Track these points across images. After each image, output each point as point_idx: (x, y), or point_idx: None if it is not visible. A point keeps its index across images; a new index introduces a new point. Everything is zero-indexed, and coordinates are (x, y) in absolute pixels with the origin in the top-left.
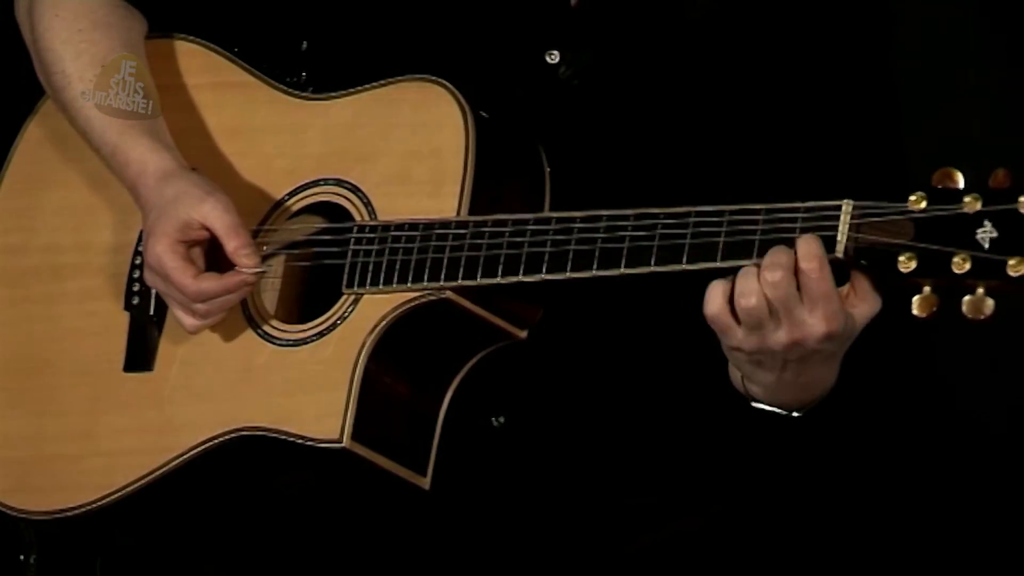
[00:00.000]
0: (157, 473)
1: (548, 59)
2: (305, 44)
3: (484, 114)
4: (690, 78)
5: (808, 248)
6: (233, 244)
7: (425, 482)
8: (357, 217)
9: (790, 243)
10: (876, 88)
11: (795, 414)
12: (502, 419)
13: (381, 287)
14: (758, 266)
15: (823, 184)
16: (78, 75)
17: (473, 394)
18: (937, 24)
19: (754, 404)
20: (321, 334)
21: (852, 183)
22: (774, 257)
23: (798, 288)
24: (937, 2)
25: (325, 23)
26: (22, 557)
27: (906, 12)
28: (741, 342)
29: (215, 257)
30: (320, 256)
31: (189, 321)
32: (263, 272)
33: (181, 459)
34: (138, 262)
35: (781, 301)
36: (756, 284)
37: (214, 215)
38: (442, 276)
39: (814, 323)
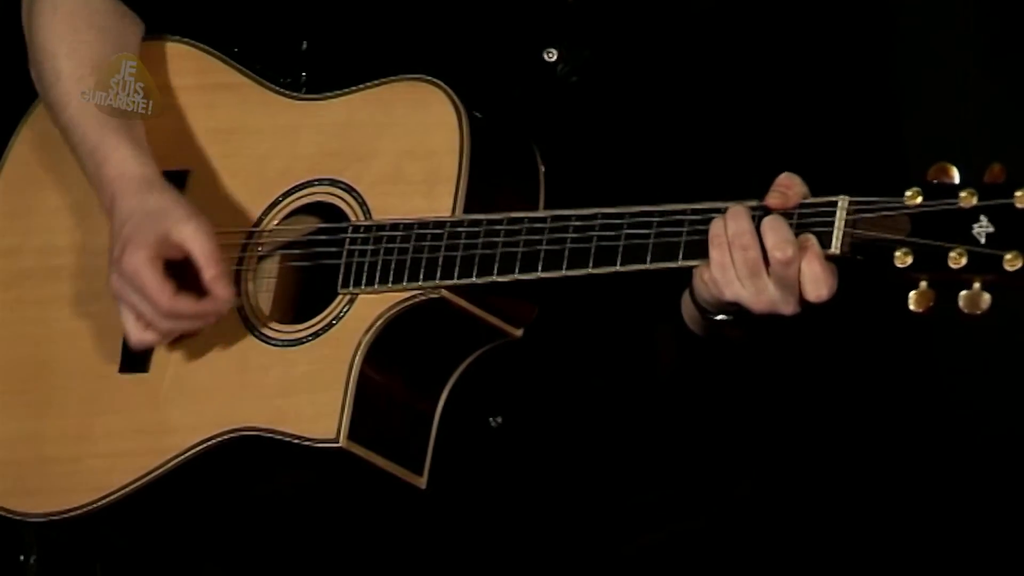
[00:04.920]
0: (154, 474)
1: (546, 57)
2: (305, 44)
3: (478, 114)
4: (688, 74)
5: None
6: (211, 272)
7: (421, 481)
8: (352, 217)
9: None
10: (873, 86)
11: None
12: (499, 419)
13: (376, 287)
14: (757, 219)
15: (820, 180)
16: (68, 72)
17: (470, 394)
18: (937, 23)
19: (718, 318)
20: (317, 334)
21: (848, 179)
22: (783, 234)
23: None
24: (937, 2)
25: (325, 23)
26: (22, 557)
27: (906, 12)
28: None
29: (182, 275)
30: (315, 256)
31: (140, 336)
32: (236, 304)
33: (178, 460)
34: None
35: (786, 281)
36: (750, 225)
37: (196, 239)
38: (437, 275)
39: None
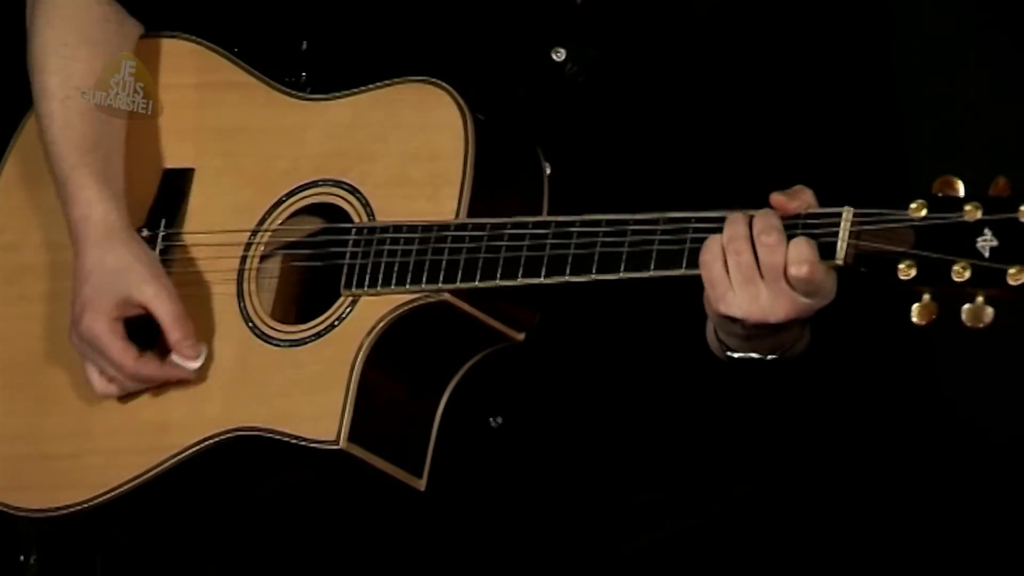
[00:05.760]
0: (154, 472)
1: (554, 56)
2: (305, 44)
3: (480, 116)
4: (695, 75)
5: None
6: (178, 335)
7: (421, 483)
8: (356, 218)
9: None
10: (879, 94)
11: (770, 357)
12: (500, 419)
13: (379, 288)
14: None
15: (825, 190)
16: (53, 90)
17: (471, 395)
18: (937, 28)
19: (729, 354)
20: (319, 335)
21: (853, 190)
22: (771, 220)
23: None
24: (937, 5)
25: (325, 23)
26: (22, 557)
27: (907, 16)
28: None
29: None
30: (318, 257)
31: (104, 388)
32: (200, 367)
33: (177, 459)
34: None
35: (774, 272)
36: (745, 229)
37: (158, 301)
38: (440, 278)
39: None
